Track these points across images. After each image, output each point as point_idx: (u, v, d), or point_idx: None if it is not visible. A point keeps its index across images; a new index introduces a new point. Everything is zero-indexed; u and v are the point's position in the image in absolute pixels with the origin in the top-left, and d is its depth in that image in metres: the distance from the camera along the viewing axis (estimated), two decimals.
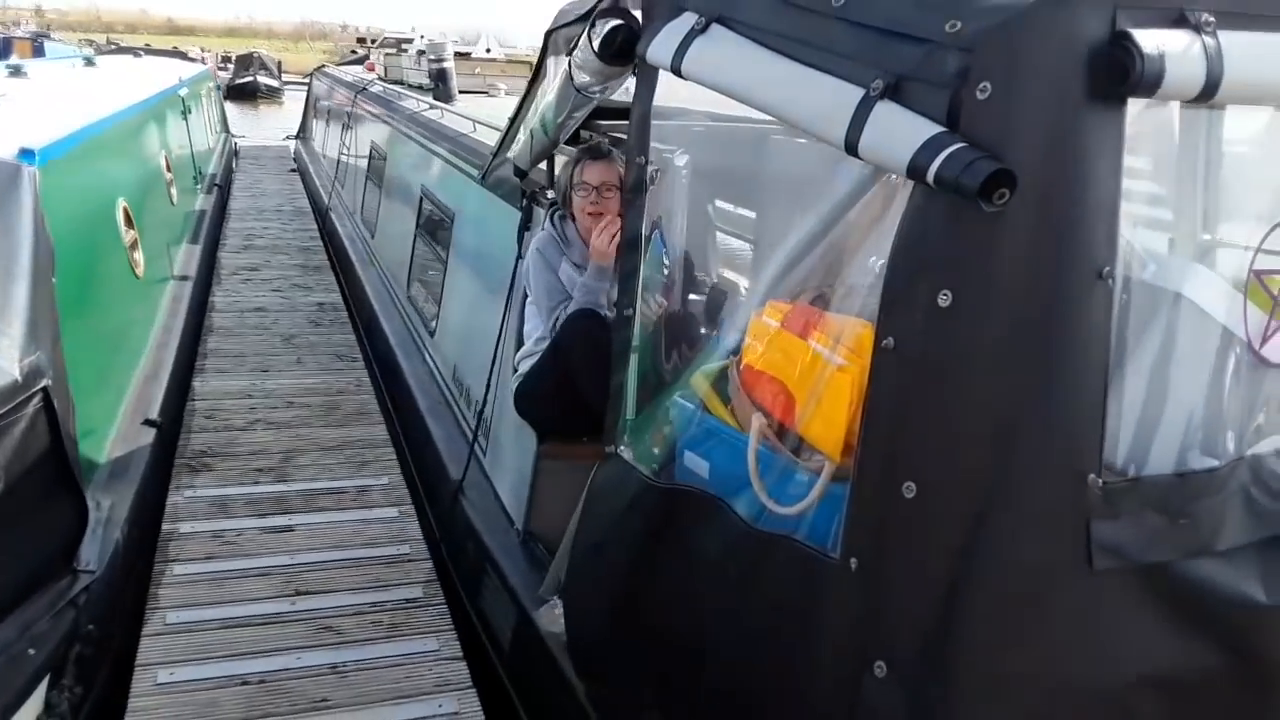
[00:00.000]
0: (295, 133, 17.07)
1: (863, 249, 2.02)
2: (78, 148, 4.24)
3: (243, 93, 33.80)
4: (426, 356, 5.22)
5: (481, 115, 6.23)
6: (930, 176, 1.61)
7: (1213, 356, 1.84)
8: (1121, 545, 1.71)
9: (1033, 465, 1.69)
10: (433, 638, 2.89)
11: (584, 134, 3.72)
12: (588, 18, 3.06)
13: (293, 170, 14.29)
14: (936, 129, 1.65)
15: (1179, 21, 1.63)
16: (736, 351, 2.29)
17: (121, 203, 4.88)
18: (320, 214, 10.31)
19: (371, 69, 13.73)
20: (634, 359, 2.55)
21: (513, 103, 10.41)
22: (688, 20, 2.25)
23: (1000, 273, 1.66)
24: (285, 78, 37.44)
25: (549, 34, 3.62)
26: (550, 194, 3.61)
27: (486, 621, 3.15)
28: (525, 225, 3.70)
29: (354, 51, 20.68)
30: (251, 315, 6.37)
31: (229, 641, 2.78)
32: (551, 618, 2.97)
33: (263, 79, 36.09)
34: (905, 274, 1.73)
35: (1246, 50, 1.62)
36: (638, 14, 2.57)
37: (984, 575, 1.72)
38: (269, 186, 12.30)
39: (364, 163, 8.67)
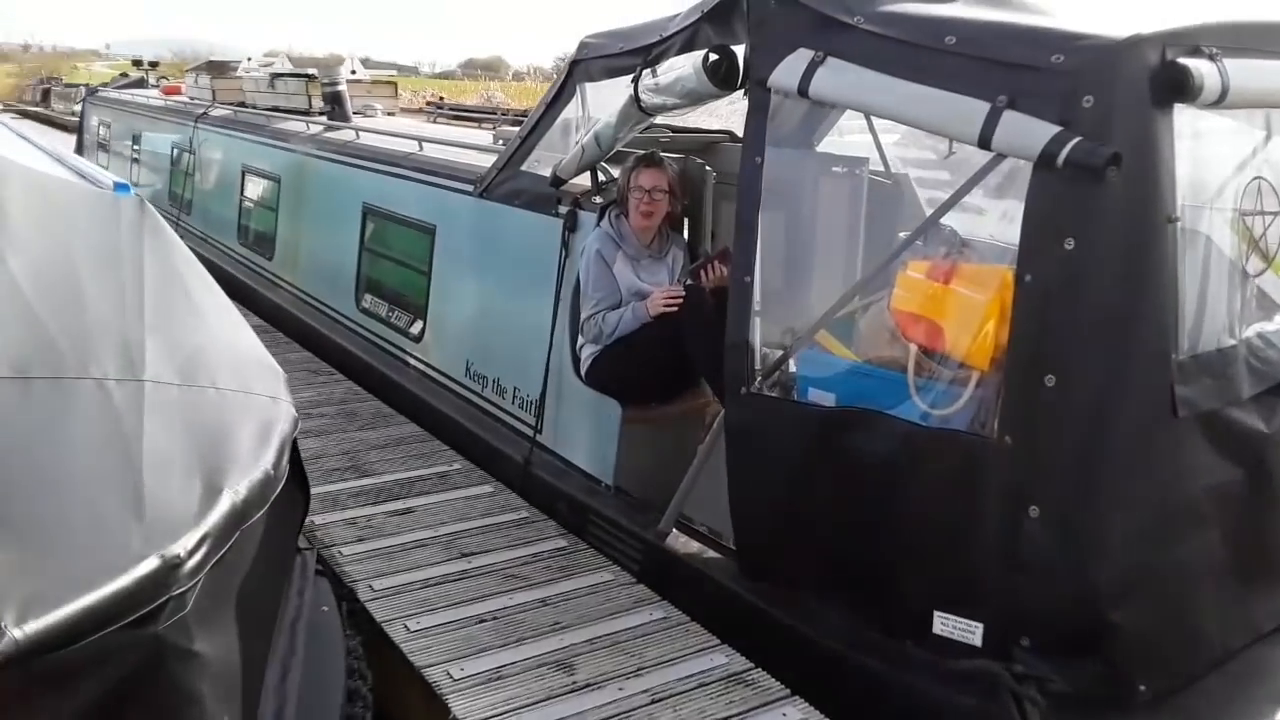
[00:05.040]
0: None
1: (983, 221, 2.84)
2: None
3: None
4: (413, 360, 5.65)
5: (419, 133, 6.65)
6: (1060, 160, 2.43)
7: (1225, 272, 2.75)
8: (1192, 399, 2.59)
9: (1136, 352, 2.56)
10: (604, 571, 3.44)
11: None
12: (646, 51, 3.70)
13: None
14: (1056, 128, 2.45)
15: (1196, 52, 2.50)
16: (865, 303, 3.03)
17: None
18: None
19: (174, 91, 13.22)
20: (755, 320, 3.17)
21: (393, 121, 10.53)
22: (804, 55, 2.95)
23: (1107, 223, 2.49)
24: None
25: (575, 63, 4.21)
26: (597, 200, 4.18)
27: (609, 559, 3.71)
28: (571, 227, 4.26)
29: (125, 75, 19.72)
30: None
31: (443, 595, 3.21)
32: (681, 544, 3.61)
33: None
34: (1037, 229, 2.54)
35: (1240, 70, 2.51)
36: (736, 49, 3.24)
37: (1108, 432, 2.55)
38: None
39: (233, 188, 8.75)
